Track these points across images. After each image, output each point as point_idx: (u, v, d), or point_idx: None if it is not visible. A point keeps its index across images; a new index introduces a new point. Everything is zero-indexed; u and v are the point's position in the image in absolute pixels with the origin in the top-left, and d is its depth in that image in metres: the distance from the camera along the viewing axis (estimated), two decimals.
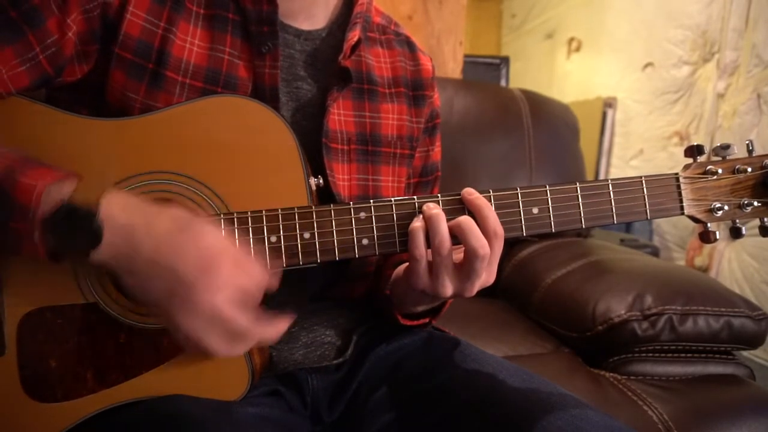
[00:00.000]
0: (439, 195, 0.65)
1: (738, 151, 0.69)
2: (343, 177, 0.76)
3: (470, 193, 0.64)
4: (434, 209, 0.62)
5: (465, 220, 0.62)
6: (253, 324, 0.57)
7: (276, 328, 0.59)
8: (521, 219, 0.66)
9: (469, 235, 0.61)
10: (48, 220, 0.54)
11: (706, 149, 0.69)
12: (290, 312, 0.61)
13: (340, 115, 0.76)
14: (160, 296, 0.56)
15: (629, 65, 3.34)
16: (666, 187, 0.69)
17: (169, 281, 0.55)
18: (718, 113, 2.76)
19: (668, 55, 3.04)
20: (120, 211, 0.56)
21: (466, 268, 0.62)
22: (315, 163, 0.72)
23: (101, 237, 0.55)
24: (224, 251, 0.56)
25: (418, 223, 0.63)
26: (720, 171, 0.68)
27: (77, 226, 0.54)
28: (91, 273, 0.63)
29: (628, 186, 0.68)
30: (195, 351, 0.58)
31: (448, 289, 0.62)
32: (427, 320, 0.78)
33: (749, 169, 0.68)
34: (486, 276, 0.63)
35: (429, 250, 0.63)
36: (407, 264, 0.67)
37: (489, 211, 0.62)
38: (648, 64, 3.20)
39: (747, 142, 0.69)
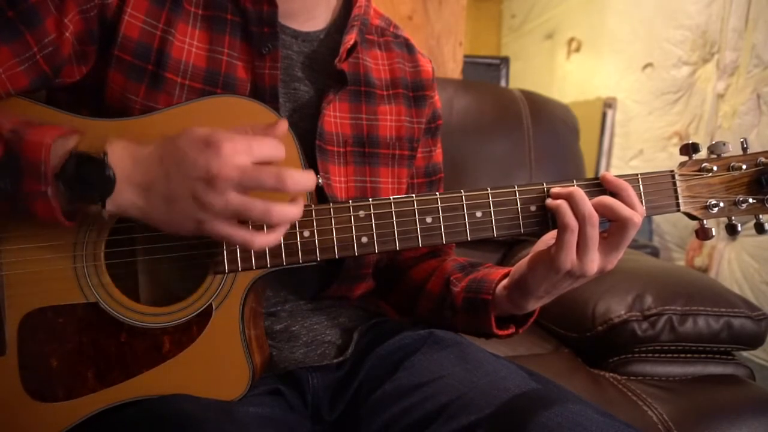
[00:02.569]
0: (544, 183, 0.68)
1: (733, 149, 0.69)
2: (339, 179, 0.76)
3: (609, 175, 0.67)
4: (567, 188, 0.66)
5: (607, 197, 0.65)
6: (282, 171, 0.55)
7: (309, 175, 0.57)
8: (519, 216, 0.67)
9: (618, 207, 0.64)
10: (60, 173, 0.55)
11: (702, 147, 0.70)
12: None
13: (336, 118, 0.76)
14: (186, 201, 0.55)
15: (629, 65, 3.34)
16: (662, 185, 0.69)
17: (185, 179, 0.54)
18: (717, 113, 2.76)
19: (668, 55, 3.04)
20: (123, 152, 0.57)
21: (615, 240, 0.65)
22: (311, 164, 0.72)
23: (115, 177, 0.56)
24: (219, 129, 0.56)
25: (557, 201, 0.65)
26: (715, 168, 0.69)
27: (90, 172, 0.55)
28: (90, 271, 0.63)
29: None
30: (245, 244, 0.57)
31: (594, 264, 0.65)
32: (513, 330, 0.78)
33: (744, 167, 0.69)
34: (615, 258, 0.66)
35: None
36: (534, 255, 0.68)
37: (632, 190, 0.66)
38: (648, 65, 3.21)
39: (741, 140, 0.70)
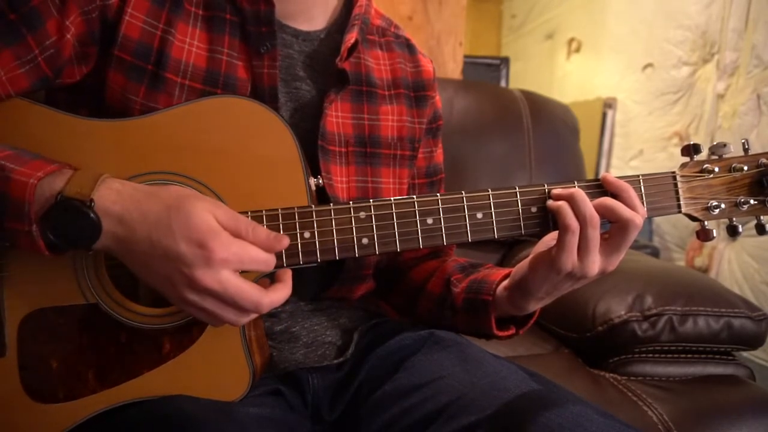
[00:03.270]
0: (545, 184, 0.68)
1: (734, 150, 0.69)
2: (340, 179, 0.76)
3: (610, 176, 0.67)
4: (568, 189, 0.66)
5: (608, 198, 0.65)
6: (262, 292, 0.57)
7: (283, 290, 0.60)
8: (520, 217, 0.67)
9: (619, 208, 0.64)
10: (44, 217, 0.55)
11: (703, 148, 0.70)
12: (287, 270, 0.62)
13: (338, 117, 0.76)
14: (164, 278, 0.56)
15: (629, 66, 3.34)
16: (663, 186, 0.69)
17: (168, 263, 0.55)
18: (717, 114, 2.77)
19: (668, 55, 3.04)
20: (113, 202, 0.56)
21: (616, 241, 0.65)
22: (313, 164, 0.72)
23: (100, 230, 0.56)
24: (217, 225, 0.56)
25: (558, 202, 0.65)
26: (716, 169, 0.69)
27: (74, 220, 0.55)
28: (90, 272, 0.63)
29: None
30: (213, 324, 0.60)
31: (596, 265, 0.65)
32: (514, 331, 0.77)
33: (745, 168, 0.69)
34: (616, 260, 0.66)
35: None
36: (535, 256, 0.68)
37: (633, 191, 0.66)
38: (648, 65, 3.21)
39: (743, 141, 0.70)
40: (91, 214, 0.55)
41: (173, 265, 0.55)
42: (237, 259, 0.56)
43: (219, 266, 0.55)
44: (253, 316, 0.59)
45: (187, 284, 0.55)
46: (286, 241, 0.60)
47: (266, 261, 0.58)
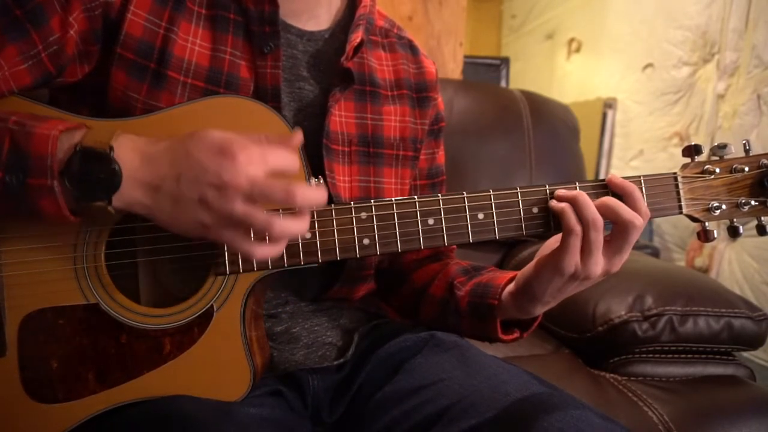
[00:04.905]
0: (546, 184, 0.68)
1: (735, 151, 0.69)
2: (343, 178, 0.76)
3: (616, 177, 0.68)
4: (572, 191, 0.66)
5: (610, 198, 0.65)
6: (292, 185, 0.54)
7: (319, 191, 0.56)
8: (521, 218, 0.67)
9: (621, 209, 0.64)
10: (65, 168, 0.55)
11: (704, 149, 0.70)
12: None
13: (342, 117, 0.76)
14: (198, 203, 0.55)
15: (629, 66, 3.35)
16: (664, 187, 0.69)
17: (198, 184, 0.54)
18: (718, 114, 2.77)
19: (668, 55, 3.04)
20: (131, 149, 0.57)
21: (618, 243, 0.65)
22: (316, 164, 0.72)
23: (121, 175, 0.55)
24: (235, 135, 0.56)
25: (561, 204, 0.65)
26: (717, 170, 0.69)
27: (95, 167, 0.55)
28: (91, 272, 0.63)
29: None
30: (246, 252, 0.57)
31: (599, 267, 0.65)
32: (518, 335, 0.77)
33: (746, 169, 0.69)
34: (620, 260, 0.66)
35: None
36: (539, 260, 0.68)
37: (639, 193, 0.66)
38: (648, 65, 3.21)
39: (744, 141, 0.70)
40: (112, 161, 0.55)
41: (203, 181, 0.54)
42: (260, 158, 0.54)
43: (245, 165, 0.53)
44: (281, 226, 0.55)
45: (218, 191, 0.54)
46: (299, 137, 0.59)
47: (289, 156, 0.57)
